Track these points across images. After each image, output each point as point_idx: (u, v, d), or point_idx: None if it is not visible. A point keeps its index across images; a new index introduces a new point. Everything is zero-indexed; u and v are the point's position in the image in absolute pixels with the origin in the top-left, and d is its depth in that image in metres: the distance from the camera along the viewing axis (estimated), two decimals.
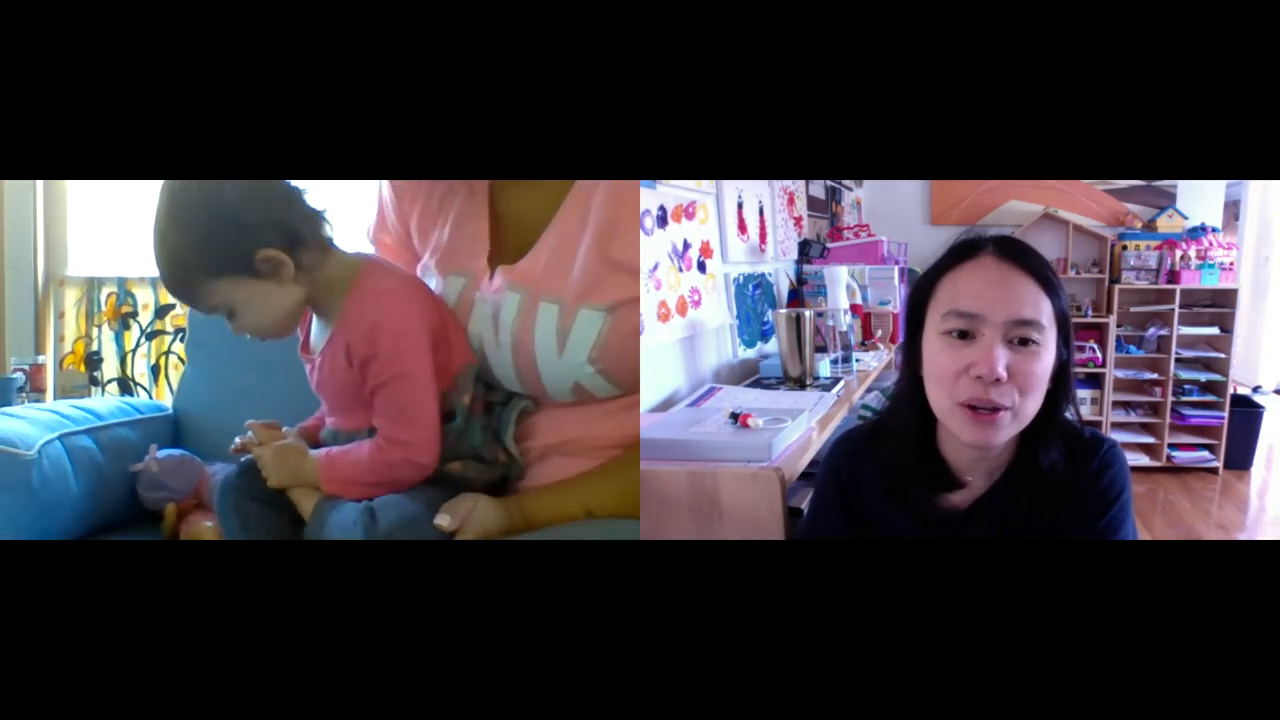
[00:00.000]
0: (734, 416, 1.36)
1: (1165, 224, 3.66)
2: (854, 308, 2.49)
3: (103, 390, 2.52)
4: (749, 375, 2.07)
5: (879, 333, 2.60)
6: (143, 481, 1.44)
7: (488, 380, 1.09)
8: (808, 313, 1.92)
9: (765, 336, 2.31)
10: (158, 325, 2.54)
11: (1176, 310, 3.54)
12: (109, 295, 2.55)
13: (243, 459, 1.10)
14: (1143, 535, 2.81)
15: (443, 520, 0.97)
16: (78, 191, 2.55)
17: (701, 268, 1.97)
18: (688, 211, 1.90)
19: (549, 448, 1.08)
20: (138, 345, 2.55)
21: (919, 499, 0.91)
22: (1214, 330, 3.58)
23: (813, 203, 2.96)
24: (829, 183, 3.20)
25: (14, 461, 1.24)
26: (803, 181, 2.83)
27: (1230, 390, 3.56)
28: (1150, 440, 3.69)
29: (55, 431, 1.35)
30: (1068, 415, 0.89)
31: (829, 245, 2.78)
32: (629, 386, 1.05)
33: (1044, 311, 0.82)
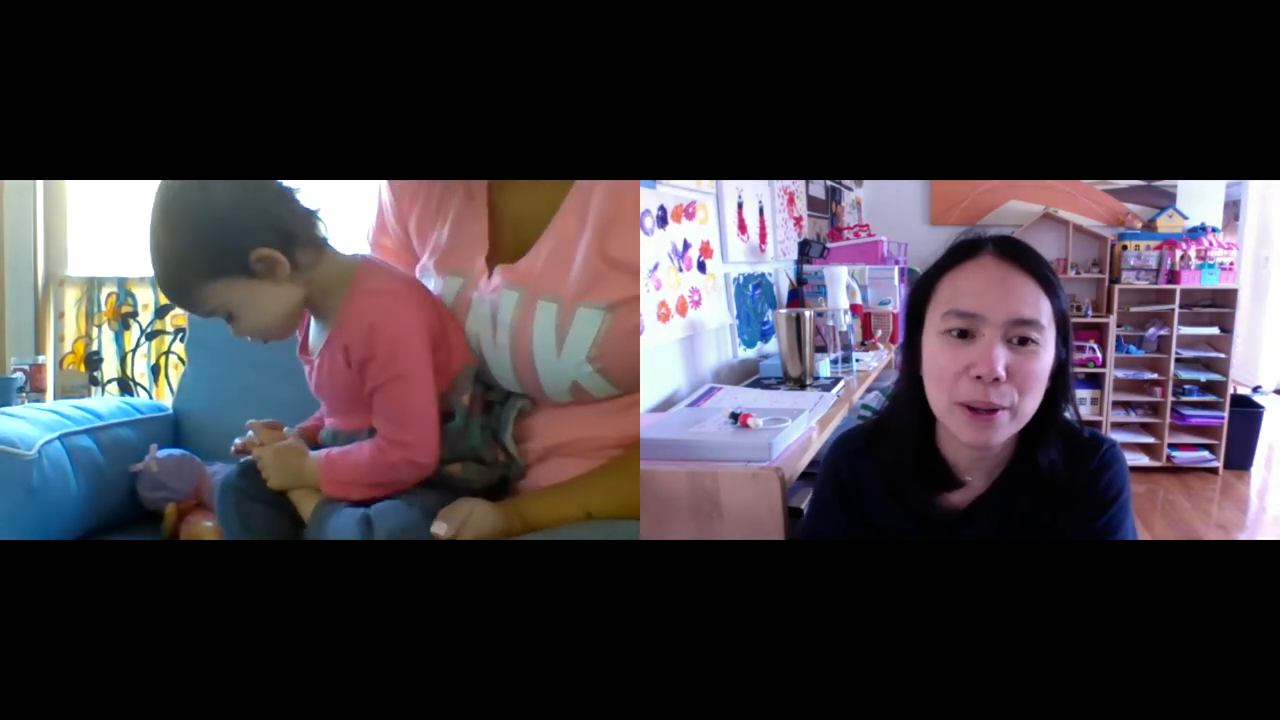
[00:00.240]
0: (734, 416, 1.36)
1: (1165, 224, 3.66)
2: (854, 308, 2.49)
3: (103, 390, 2.52)
4: (749, 375, 2.07)
5: (879, 333, 2.59)
6: (143, 481, 1.44)
7: (486, 380, 1.09)
8: (808, 313, 1.92)
9: (765, 336, 2.31)
10: (158, 325, 2.54)
11: (1176, 310, 3.54)
12: (109, 295, 2.55)
13: (243, 459, 1.10)
14: (1143, 535, 2.80)
15: (439, 528, 0.97)
16: (78, 191, 2.55)
17: (701, 268, 1.96)
18: (688, 211, 1.90)
19: (548, 449, 1.08)
20: (138, 345, 2.55)
21: (918, 498, 0.91)
22: (1214, 330, 3.58)
23: (813, 203, 2.96)
24: (829, 183, 3.20)
25: (14, 461, 1.24)
26: (803, 181, 2.83)
27: (1230, 390, 3.56)
28: (1150, 440, 3.69)
29: (55, 431, 1.35)
30: (1067, 415, 0.89)
31: (829, 245, 2.78)
32: (628, 386, 1.05)
33: (1043, 311, 0.82)
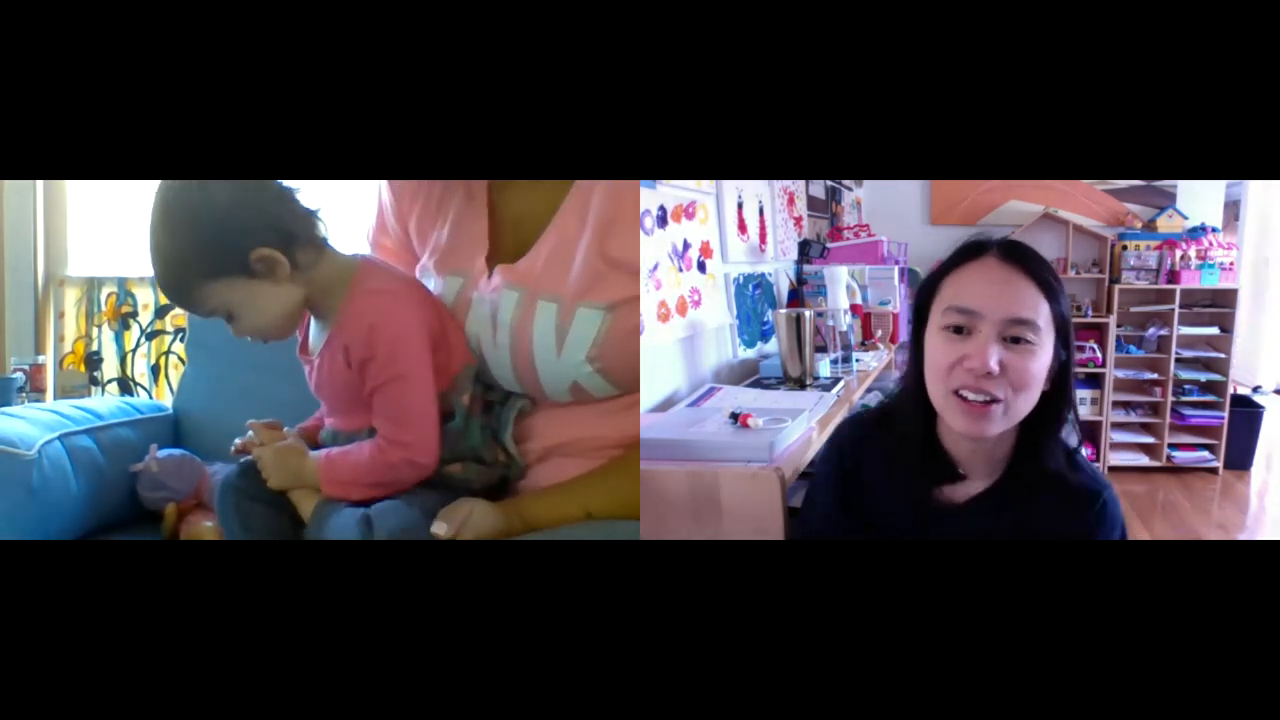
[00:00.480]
0: (734, 416, 1.36)
1: (1165, 224, 3.66)
2: (854, 308, 2.49)
3: (103, 390, 2.52)
4: (749, 375, 2.07)
5: (879, 333, 2.59)
6: (143, 481, 1.44)
7: (486, 380, 1.09)
8: (808, 313, 1.92)
9: (765, 336, 2.31)
10: (158, 325, 2.54)
11: (1176, 310, 3.53)
12: (109, 295, 2.55)
13: (243, 459, 1.10)
14: (1143, 535, 2.81)
15: (439, 529, 0.97)
16: (78, 191, 2.55)
17: (701, 268, 1.96)
18: (688, 211, 1.90)
19: (548, 449, 1.08)
20: (138, 345, 2.55)
21: (918, 489, 0.92)
22: (1214, 330, 3.58)
23: (813, 203, 2.96)
24: (829, 183, 3.20)
25: (14, 461, 1.24)
26: (803, 181, 2.83)
27: (1230, 390, 3.56)
28: (1150, 440, 3.69)
29: (55, 431, 1.35)
30: (1066, 425, 0.90)
31: (829, 245, 2.78)
32: (628, 386, 1.05)
33: (1041, 313, 0.84)
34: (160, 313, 2.53)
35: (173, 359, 2.54)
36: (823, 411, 1.53)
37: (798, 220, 2.76)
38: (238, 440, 1.12)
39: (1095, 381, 3.61)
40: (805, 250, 2.66)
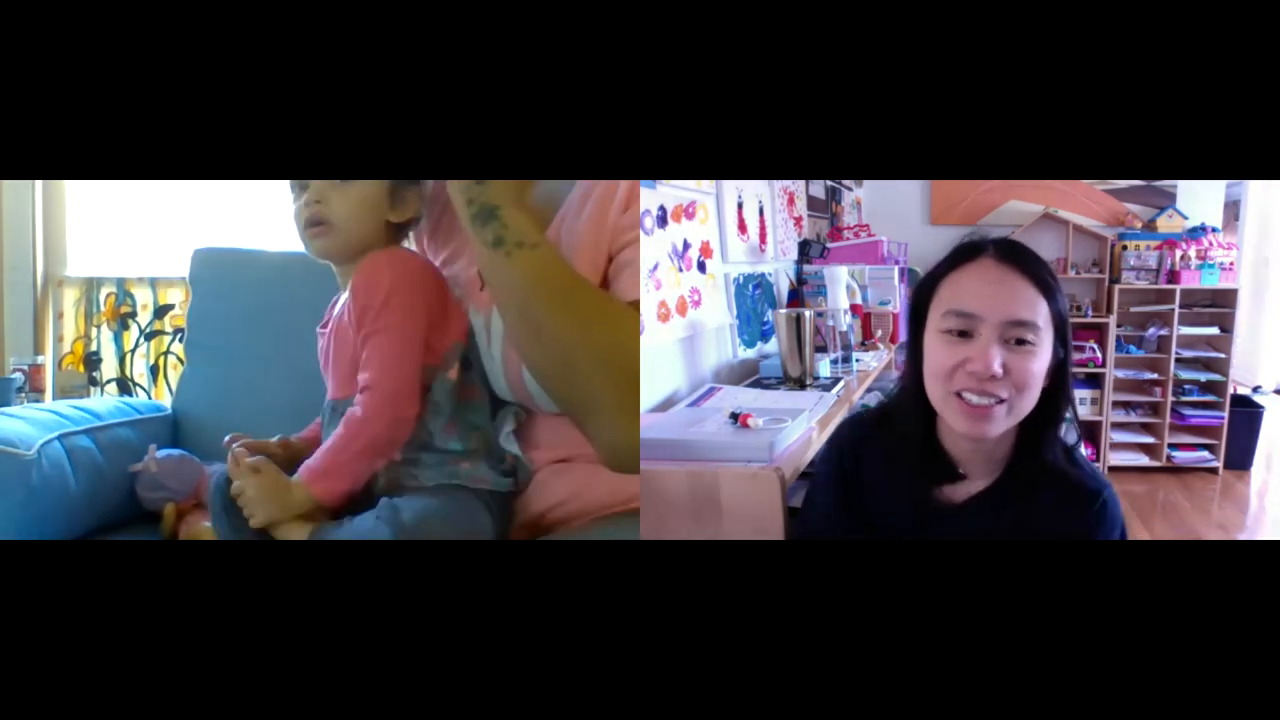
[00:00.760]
0: (734, 416, 1.36)
1: (1165, 224, 3.66)
2: (854, 308, 2.49)
3: (102, 390, 2.52)
4: (749, 375, 2.07)
5: (879, 333, 2.59)
6: (142, 482, 1.43)
7: (475, 367, 1.10)
8: (808, 313, 1.92)
9: (765, 336, 2.31)
10: (156, 325, 2.54)
11: (1176, 310, 3.53)
12: (108, 295, 2.55)
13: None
14: (1143, 535, 2.81)
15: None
16: (77, 191, 2.55)
17: (701, 268, 1.96)
18: (688, 211, 1.90)
19: (549, 460, 1.09)
20: (136, 345, 2.55)
21: (919, 488, 0.92)
22: (1214, 330, 3.58)
23: (813, 203, 2.96)
24: (829, 183, 3.20)
25: (13, 462, 1.24)
26: (803, 181, 2.83)
27: (1230, 390, 3.56)
28: (1150, 440, 3.69)
29: (54, 431, 1.34)
30: (1065, 424, 0.90)
31: (829, 245, 2.78)
32: None
33: (1040, 313, 0.83)
34: (159, 313, 2.53)
35: (171, 359, 2.54)
36: (823, 411, 1.53)
37: (798, 220, 2.76)
38: (230, 442, 1.10)
39: (1095, 381, 3.61)
40: (805, 250, 2.66)
